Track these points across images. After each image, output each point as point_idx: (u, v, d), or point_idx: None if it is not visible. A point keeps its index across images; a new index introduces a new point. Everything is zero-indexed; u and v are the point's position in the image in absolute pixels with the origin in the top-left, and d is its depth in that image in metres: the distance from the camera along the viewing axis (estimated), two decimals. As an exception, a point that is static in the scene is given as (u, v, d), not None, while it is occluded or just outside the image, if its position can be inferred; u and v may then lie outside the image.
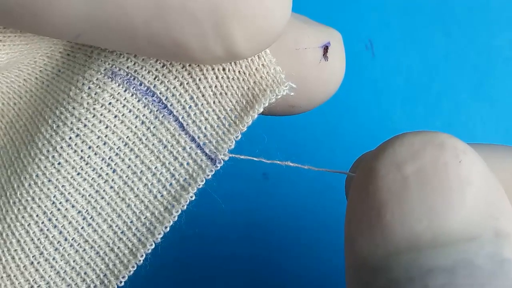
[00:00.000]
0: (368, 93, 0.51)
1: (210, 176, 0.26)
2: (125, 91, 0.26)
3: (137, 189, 0.26)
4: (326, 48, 0.26)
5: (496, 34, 0.52)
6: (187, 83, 0.26)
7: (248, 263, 0.49)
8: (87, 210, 0.26)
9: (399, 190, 0.23)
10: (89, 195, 0.26)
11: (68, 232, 0.26)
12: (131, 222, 0.26)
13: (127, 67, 0.26)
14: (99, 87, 0.26)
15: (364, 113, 0.51)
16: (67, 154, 0.26)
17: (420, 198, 0.22)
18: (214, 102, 0.26)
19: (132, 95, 0.26)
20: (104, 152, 0.26)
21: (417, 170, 0.23)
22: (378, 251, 0.22)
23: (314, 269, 0.48)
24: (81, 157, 0.26)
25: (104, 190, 0.26)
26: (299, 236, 0.49)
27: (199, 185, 0.26)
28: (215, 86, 0.26)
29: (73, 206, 0.26)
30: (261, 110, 0.26)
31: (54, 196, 0.26)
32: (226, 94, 0.26)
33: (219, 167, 0.26)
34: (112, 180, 0.26)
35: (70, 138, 0.26)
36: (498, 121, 0.50)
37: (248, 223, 0.49)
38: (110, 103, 0.26)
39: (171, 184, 0.26)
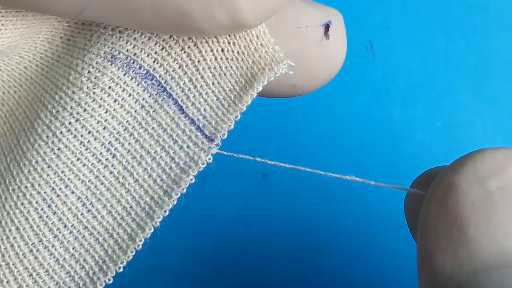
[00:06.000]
0: (368, 93, 0.52)
1: (211, 159, 0.26)
2: (124, 74, 0.26)
3: (137, 173, 0.26)
4: (327, 27, 0.26)
5: (496, 35, 0.52)
6: (186, 66, 0.26)
7: (247, 263, 0.48)
8: (86, 196, 0.26)
9: (484, 205, 0.22)
10: (89, 181, 0.26)
11: (67, 218, 0.26)
12: (131, 207, 0.26)
13: (127, 50, 0.26)
14: (99, 71, 0.26)
15: (364, 113, 0.51)
16: (67, 139, 0.26)
17: (507, 214, 0.22)
18: (213, 83, 0.26)
19: (132, 78, 0.26)
20: (103, 137, 0.26)
21: (502, 186, 0.23)
22: (464, 267, 0.22)
23: (314, 270, 0.48)
24: (81, 142, 0.26)
25: (103, 176, 0.26)
26: (299, 237, 0.49)
27: (200, 168, 0.26)
28: (214, 67, 0.26)
29: (72, 192, 0.26)
30: (260, 88, 0.26)
31: (54, 182, 0.26)
32: (225, 74, 0.26)
33: (220, 145, 0.26)
34: (112, 165, 0.26)
35: (69, 123, 0.26)
36: (498, 122, 0.50)
37: (248, 223, 0.49)
38: (109, 87, 0.26)
39: (170, 167, 0.26)
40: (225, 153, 0.27)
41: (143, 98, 0.26)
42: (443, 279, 0.23)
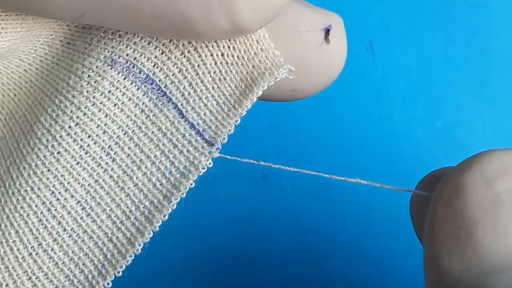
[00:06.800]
0: (368, 94, 0.52)
1: (211, 164, 0.26)
2: (124, 79, 0.26)
3: (136, 178, 0.26)
4: (327, 31, 0.26)
5: (496, 35, 0.52)
6: (186, 70, 0.26)
7: (248, 264, 0.48)
8: (86, 200, 0.26)
9: (491, 207, 0.22)
10: (88, 185, 0.26)
11: (67, 222, 0.26)
12: (130, 211, 0.26)
13: (127, 55, 0.26)
14: (99, 75, 0.26)
15: (364, 113, 0.51)
16: (67, 143, 0.26)
17: None
18: (213, 87, 0.26)
19: (132, 83, 0.26)
20: (103, 141, 0.26)
21: (509, 187, 0.22)
22: (472, 270, 0.22)
23: (314, 270, 0.48)
24: (81, 146, 0.26)
25: (103, 180, 0.26)
26: (299, 237, 0.49)
27: (200, 172, 0.26)
28: (214, 72, 0.26)
29: (72, 196, 0.26)
30: (260, 93, 0.26)
31: (53, 186, 0.26)
32: (225, 79, 0.26)
33: (220, 149, 0.26)
34: (112, 169, 0.26)
35: (69, 127, 0.26)
36: (498, 121, 0.50)
37: (247, 223, 0.49)
38: (109, 91, 0.26)
39: (170, 172, 0.26)
40: (228, 157, 0.27)
41: (143, 103, 0.26)
42: (450, 281, 0.22)
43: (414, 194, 0.28)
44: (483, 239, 0.22)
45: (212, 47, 0.26)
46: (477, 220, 0.22)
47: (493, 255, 0.22)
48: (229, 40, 0.26)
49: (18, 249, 0.26)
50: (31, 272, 0.26)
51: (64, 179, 0.26)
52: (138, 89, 0.26)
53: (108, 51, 0.26)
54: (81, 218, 0.26)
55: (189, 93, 0.26)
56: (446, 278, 0.23)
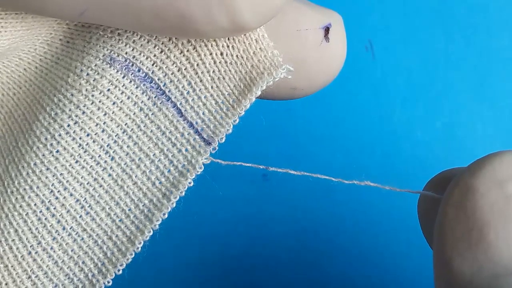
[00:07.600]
0: (368, 94, 0.52)
1: (209, 161, 0.26)
2: (123, 77, 0.26)
3: (136, 176, 0.26)
4: (327, 29, 0.26)
5: (496, 35, 0.52)
6: (185, 69, 0.26)
7: (248, 264, 0.48)
8: (85, 199, 0.26)
9: (503, 209, 0.22)
10: (88, 183, 0.26)
11: (66, 221, 0.26)
12: (129, 209, 0.26)
13: (126, 53, 0.26)
14: (98, 74, 0.26)
15: (364, 113, 0.51)
16: (66, 141, 0.26)
17: None
18: (212, 87, 0.26)
19: (131, 81, 0.26)
20: (102, 139, 0.26)
21: None
22: (483, 272, 0.22)
23: (314, 270, 0.48)
24: (80, 145, 0.26)
25: (102, 178, 0.26)
26: (299, 237, 0.49)
27: (197, 171, 0.26)
28: (213, 71, 0.26)
29: (71, 195, 0.26)
30: (259, 93, 0.26)
31: (53, 185, 0.26)
32: (224, 78, 0.26)
33: (216, 148, 0.26)
34: (111, 167, 0.26)
35: (68, 125, 0.26)
36: (498, 121, 0.50)
37: (247, 224, 0.49)
38: (108, 90, 0.26)
39: (169, 170, 0.26)
40: (235, 163, 0.27)
41: (142, 101, 0.26)
42: (461, 284, 0.22)
43: (423, 196, 0.28)
44: (495, 241, 0.22)
45: (211, 46, 0.26)
46: (489, 222, 0.22)
47: (505, 257, 0.22)
48: (228, 39, 0.26)
49: (17, 248, 0.26)
50: (30, 271, 0.26)
51: (63, 177, 0.26)
52: (137, 87, 0.26)
53: (107, 50, 0.26)
54: (80, 216, 0.26)
55: (188, 92, 0.26)
56: (457, 281, 0.22)
